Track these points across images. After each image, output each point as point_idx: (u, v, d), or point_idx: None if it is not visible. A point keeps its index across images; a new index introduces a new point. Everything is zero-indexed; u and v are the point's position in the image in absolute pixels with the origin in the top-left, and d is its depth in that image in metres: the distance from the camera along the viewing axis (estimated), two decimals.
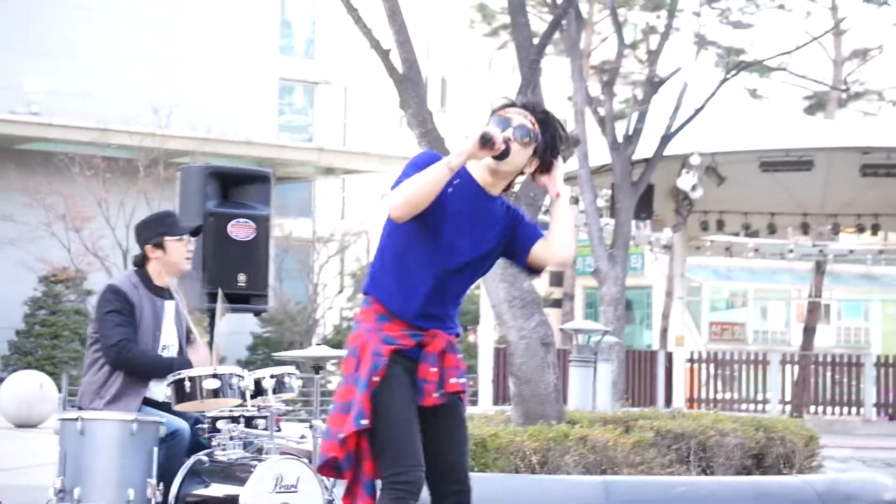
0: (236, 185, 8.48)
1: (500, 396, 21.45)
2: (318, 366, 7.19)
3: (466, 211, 4.80)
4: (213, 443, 6.54)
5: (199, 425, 6.62)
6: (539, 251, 4.93)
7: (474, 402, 24.47)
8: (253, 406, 6.62)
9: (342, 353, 9.11)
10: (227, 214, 8.30)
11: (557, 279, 40.12)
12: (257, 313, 8.80)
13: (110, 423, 6.29)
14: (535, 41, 10.62)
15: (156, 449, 6.29)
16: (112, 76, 29.71)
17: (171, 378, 6.50)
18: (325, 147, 33.03)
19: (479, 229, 4.83)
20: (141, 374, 6.64)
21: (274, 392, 6.72)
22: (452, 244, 4.80)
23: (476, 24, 33.58)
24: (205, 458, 6.45)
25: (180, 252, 6.83)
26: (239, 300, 8.40)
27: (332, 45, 38.33)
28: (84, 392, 6.72)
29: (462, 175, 4.78)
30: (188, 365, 6.62)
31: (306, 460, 6.54)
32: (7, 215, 26.18)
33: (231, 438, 6.50)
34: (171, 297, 6.91)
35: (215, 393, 6.44)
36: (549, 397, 9.91)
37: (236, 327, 26.86)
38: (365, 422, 4.72)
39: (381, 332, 4.80)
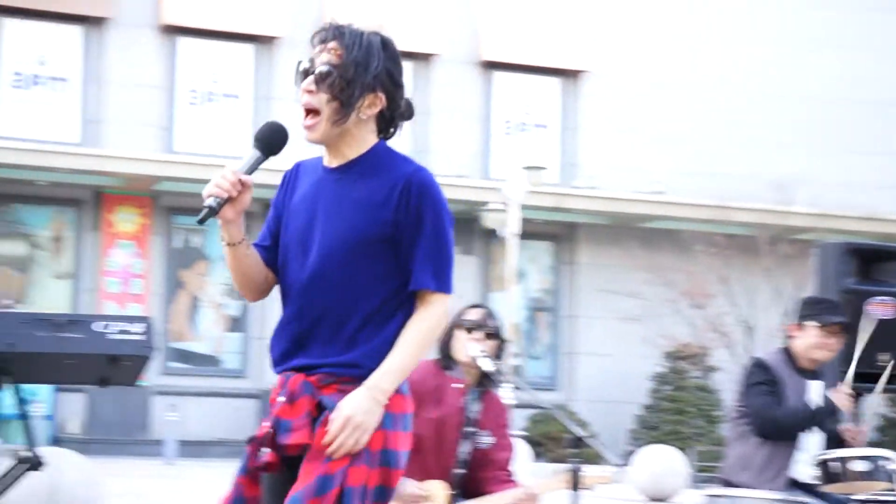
0: (875, 261, 8.33)
1: None
2: None
3: (317, 202, 3.78)
4: None
5: None
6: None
7: None
8: None
9: None
10: (866, 291, 8.15)
11: None
12: None
13: (756, 502, 6.31)
14: None
15: None
16: (731, 154, 30.04)
17: (818, 458, 6.45)
18: None
19: (332, 215, 3.75)
20: (785, 430, 6.62)
21: None
22: (306, 244, 3.77)
23: None
24: None
25: (808, 340, 6.79)
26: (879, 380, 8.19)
27: None
28: (731, 465, 6.84)
29: (316, 166, 3.85)
30: (829, 411, 6.58)
31: None
32: (632, 292, 26.94)
33: None
34: (816, 376, 6.87)
35: (865, 475, 6.33)
36: None
37: (863, 407, 26.16)
38: None
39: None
